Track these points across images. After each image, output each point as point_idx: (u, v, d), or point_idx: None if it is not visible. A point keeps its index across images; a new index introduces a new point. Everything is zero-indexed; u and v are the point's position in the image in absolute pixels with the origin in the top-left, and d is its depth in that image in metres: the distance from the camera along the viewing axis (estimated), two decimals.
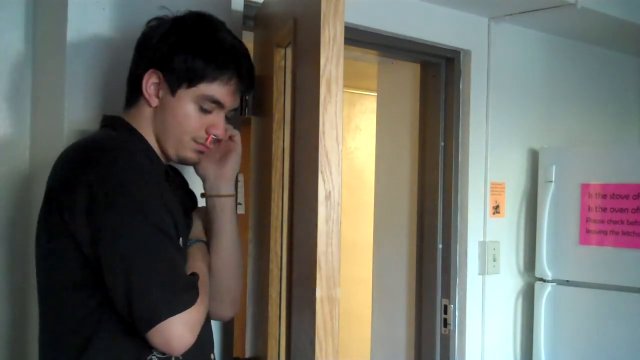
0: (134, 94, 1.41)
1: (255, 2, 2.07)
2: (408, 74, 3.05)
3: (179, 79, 1.36)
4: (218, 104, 1.39)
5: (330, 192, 1.28)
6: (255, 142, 1.97)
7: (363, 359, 3.41)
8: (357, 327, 3.86)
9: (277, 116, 1.72)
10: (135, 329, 1.22)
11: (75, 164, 1.27)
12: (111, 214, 1.20)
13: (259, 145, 1.94)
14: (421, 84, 2.94)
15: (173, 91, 1.37)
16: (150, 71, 1.37)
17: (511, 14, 2.82)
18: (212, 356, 1.45)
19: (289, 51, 1.68)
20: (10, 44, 1.75)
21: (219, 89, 1.38)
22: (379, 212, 3.25)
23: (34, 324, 1.71)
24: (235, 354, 2.03)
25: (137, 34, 1.71)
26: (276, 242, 1.73)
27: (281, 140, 1.75)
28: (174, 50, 1.36)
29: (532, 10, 2.77)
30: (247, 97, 1.79)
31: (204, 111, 1.39)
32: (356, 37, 2.46)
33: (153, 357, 1.26)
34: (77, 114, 1.64)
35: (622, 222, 2.75)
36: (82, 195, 1.20)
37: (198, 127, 1.39)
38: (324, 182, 1.28)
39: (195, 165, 1.50)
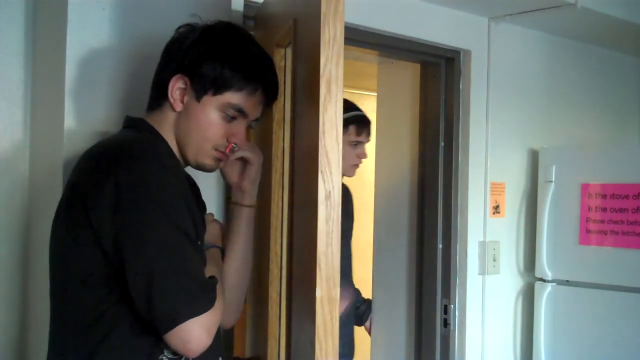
0: (158, 97, 1.43)
1: (255, 2, 2.07)
2: (408, 74, 3.05)
3: (205, 85, 1.38)
4: (242, 113, 1.41)
5: (330, 192, 1.28)
6: (256, 142, 1.97)
7: (363, 359, 3.41)
8: (357, 327, 3.86)
9: (277, 116, 1.72)
10: (150, 329, 1.23)
11: (103, 162, 1.28)
12: (137, 214, 1.21)
13: (259, 145, 1.94)
14: (421, 84, 2.94)
15: (199, 97, 1.39)
16: (177, 76, 1.39)
17: (511, 14, 2.82)
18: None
19: (289, 51, 1.68)
20: (10, 44, 1.75)
21: (244, 99, 1.40)
22: (379, 212, 3.25)
23: (35, 326, 1.71)
24: (235, 354, 2.03)
25: (137, 34, 1.72)
26: (276, 242, 1.73)
27: (281, 140, 1.75)
28: (203, 57, 1.38)
29: (532, 10, 2.77)
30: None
31: (227, 119, 1.40)
32: (356, 37, 2.46)
33: (164, 357, 1.27)
34: (77, 114, 1.64)
35: (622, 222, 2.75)
36: (109, 193, 1.21)
37: (220, 134, 1.41)
38: (324, 182, 1.28)
39: (213, 171, 1.51)
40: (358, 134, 2.51)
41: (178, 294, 1.19)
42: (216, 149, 1.42)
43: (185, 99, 1.39)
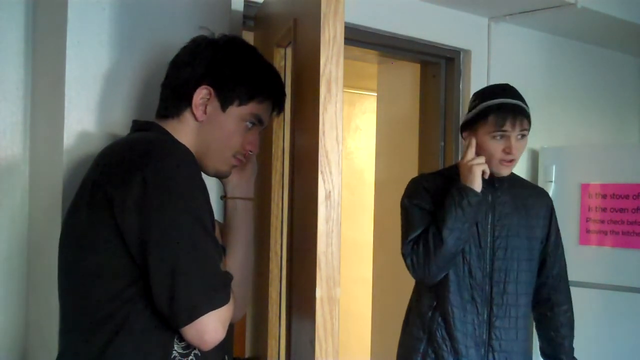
0: (179, 106, 1.44)
1: (255, 2, 2.07)
2: (408, 74, 3.05)
3: (232, 96, 1.42)
4: (260, 122, 1.48)
5: (330, 192, 1.28)
6: None
7: (363, 358, 3.41)
8: (357, 327, 3.86)
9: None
10: (162, 326, 1.25)
11: (130, 159, 1.30)
12: (163, 209, 1.23)
13: (259, 145, 1.94)
14: (421, 84, 2.94)
15: (224, 108, 1.43)
16: (203, 86, 1.42)
17: (511, 14, 2.83)
18: (226, 358, 1.46)
19: (289, 51, 1.68)
20: (10, 44, 1.75)
21: (264, 109, 1.47)
22: (379, 212, 3.25)
23: (36, 328, 1.71)
24: (236, 354, 2.03)
25: (137, 34, 1.72)
26: (276, 242, 1.73)
27: (281, 140, 1.75)
28: (230, 70, 1.43)
29: (532, 10, 2.77)
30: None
31: (246, 128, 1.46)
32: (356, 37, 2.46)
33: (174, 351, 1.29)
34: (76, 115, 1.64)
35: (622, 222, 2.75)
36: (135, 188, 1.24)
37: (240, 143, 1.46)
38: (324, 182, 1.28)
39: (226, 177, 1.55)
40: (499, 124, 2.06)
41: (200, 287, 1.23)
42: (235, 157, 1.47)
43: (208, 109, 1.43)
